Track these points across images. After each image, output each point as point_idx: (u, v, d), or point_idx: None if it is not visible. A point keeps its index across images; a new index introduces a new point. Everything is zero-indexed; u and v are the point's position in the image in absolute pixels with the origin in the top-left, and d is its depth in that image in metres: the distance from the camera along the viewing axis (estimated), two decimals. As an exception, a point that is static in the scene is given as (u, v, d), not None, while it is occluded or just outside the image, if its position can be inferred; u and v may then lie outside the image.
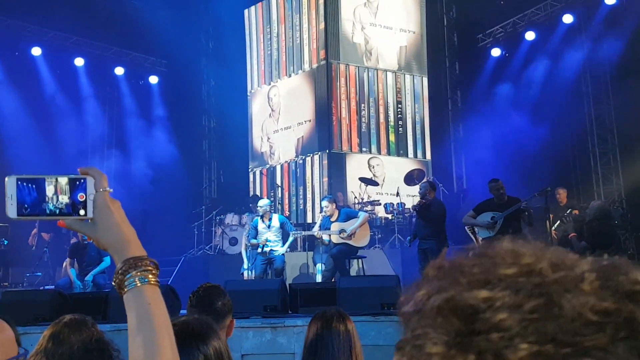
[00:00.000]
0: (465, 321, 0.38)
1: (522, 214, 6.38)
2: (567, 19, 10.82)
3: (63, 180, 0.93)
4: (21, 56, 11.28)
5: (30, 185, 0.93)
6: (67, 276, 7.68)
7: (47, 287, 7.65)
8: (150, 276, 0.90)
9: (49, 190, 0.93)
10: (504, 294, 0.38)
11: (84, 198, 0.93)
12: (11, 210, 0.92)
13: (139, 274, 0.89)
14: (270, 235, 7.80)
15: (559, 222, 7.92)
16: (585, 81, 10.89)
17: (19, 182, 0.93)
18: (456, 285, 0.40)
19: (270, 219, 7.89)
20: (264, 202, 8.12)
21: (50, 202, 0.93)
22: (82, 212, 0.92)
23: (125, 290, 0.90)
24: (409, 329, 0.41)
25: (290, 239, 7.98)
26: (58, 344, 1.78)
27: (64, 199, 0.93)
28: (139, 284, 0.89)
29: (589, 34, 10.74)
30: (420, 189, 7.23)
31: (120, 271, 0.90)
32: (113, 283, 0.93)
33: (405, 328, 0.42)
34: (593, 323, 0.36)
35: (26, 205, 0.93)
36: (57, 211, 0.93)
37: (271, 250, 7.78)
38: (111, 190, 0.94)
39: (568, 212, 8.05)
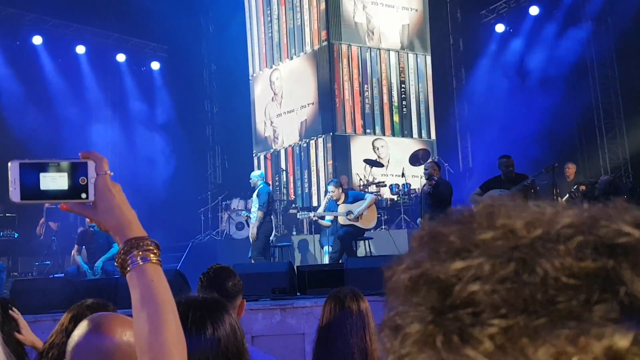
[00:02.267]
0: (440, 296, 0.35)
1: (528, 191, 6.37)
2: (572, -8, 10.67)
3: (65, 165, 0.95)
4: (22, 45, 11.23)
5: (32, 169, 0.94)
6: (75, 264, 7.73)
7: (56, 275, 7.71)
8: (151, 255, 0.93)
9: (52, 174, 0.95)
10: (477, 263, 0.34)
11: (85, 181, 0.95)
12: (14, 194, 0.94)
13: (140, 253, 0.92)
14: (254, 207, 7.76)
15: (567, 196, 7.89)
16: (589, 56, 10.77)
17: (22, 167, 0.94)
18: (433, 256, 0.36)
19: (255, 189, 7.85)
20: (253, 173, 8.14)
21: (52, 186, 0.95)
22: (83, 195, 0.95)
23: (128, 269, 0.92)
24: (388, 309, 0.38)
25: (254, 214, 7.65)
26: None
27: (66, 182, 0.95)
28: (141, 263, 0.92)
29: (593, 7, 10.59)
30: (425, 169, 7.20)
31: (122, 251, 0.93)
32: (115, 263, 0.95)
33: (385, 308, 0.38)
34: (569, 287, 0.32)
35: (29, 189, 0.94)
36: (60, 195, 0.95)
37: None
38: (112, 173, 0.96)
39: (575, 187, 8.01)
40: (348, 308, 2.15)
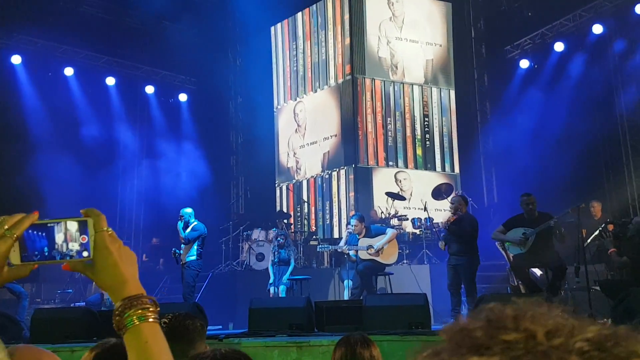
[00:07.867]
0: None
1: (553, 231, 6.22)
2: (597, 29, 10.62)
3: (68, 224, 0.92)
4: (54, 76, 11.60)
5: (32, 229, 0.91)
6: (97, 292, 7.79)
7: (77, 303, 7.77)
8: (148, 314, 0.89)
9: (59, 237, 0.92)
10: None
11: (86, 240, 0.92)
12: (14, 256, 0.89)
13: (138, 312, 0.88)
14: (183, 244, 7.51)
15: (594, 235, 7.69)
16: (617, 91, 10.64)
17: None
18: (454, 350, 0.40)
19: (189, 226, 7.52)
20: (184, 210, 7.64)
21: (54, 247, 0.92)
22: (85, 253, 0.92)
23: (124, 330, 0.88)
24: None
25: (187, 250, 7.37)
26: None
27: (71, 244, 0.92)
28: (137, 323, 0.88)
29: (618, 44, 10.51)
30: (452, 202, 7.06)
31: (117, 312, 0.89)
32: (113, 325, 0.91)
33: None
34: None
35: (29, 250, 0.91)
36: (59, 256, 0.92)
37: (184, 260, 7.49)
38: (110, 230, 0.93)
39: (603, 226, 7.81)
40: (359, 355, 2.11)
